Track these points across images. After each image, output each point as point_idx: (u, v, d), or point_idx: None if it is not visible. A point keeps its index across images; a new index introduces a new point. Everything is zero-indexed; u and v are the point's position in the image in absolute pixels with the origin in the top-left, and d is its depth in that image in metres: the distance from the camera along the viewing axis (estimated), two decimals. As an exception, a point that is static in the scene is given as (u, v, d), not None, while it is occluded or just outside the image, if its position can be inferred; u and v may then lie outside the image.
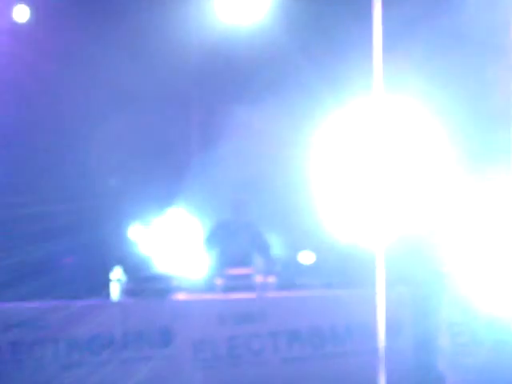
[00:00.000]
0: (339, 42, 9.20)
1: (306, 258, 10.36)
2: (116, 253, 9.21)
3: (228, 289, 7.90)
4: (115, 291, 7.87)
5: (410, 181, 8.24)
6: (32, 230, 9.05)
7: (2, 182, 9.22)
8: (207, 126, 10.27)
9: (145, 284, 7.91)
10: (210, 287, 8.15)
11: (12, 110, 9.04)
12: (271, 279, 7.92)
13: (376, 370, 7.36)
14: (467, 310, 7.40)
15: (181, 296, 7.89)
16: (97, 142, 9.61)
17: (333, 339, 7.62)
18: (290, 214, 10.15)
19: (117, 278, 7.88)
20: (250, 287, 7.88)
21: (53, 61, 8.95)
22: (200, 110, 10.25)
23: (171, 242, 10.34)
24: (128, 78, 9.33)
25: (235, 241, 8.77)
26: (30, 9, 9.15)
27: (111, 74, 9.25)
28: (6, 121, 8.97)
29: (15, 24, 9.05)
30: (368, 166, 8.25)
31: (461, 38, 8.83)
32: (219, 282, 7.95)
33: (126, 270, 8.16)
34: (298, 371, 7.55)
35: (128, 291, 7.87)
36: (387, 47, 6.71)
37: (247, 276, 8.02)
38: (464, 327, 7.46)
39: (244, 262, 8.53)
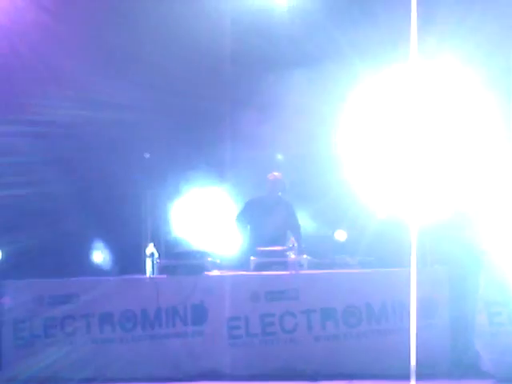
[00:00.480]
0: (373, 9, 9.04)
1: (342, 236, 10.28)
2: (151, 229, 9.22)
3: (261, 266, 7.84)
4: (149, 267, 7.85)
5: (446, 157, 8.08)
6: (67, 205, 9.12)
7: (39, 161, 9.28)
8: (245, 105, 10.20)
9: (178, 260, 7.89)
10: (243, 264, 8.11)
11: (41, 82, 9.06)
12: (304, 257, 7.83)
13: (411, 349, 7.29)
14: (505, 289, 7.25)
15: (214, 273, 7.85)
16: (133, 116, 9.61)
17: (367, 317, 7.52)
18: (326, 191, 10.05)
19: (150, 254, 7.84)
20: (283, 264, 7.80)
21: (82, 34, 8.94)
22: (239, 88, 10.17)
23: (206, 219, 10.33)
24: (164, 55, 9.30)
25: (269, 218, 8.72)
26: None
27: (144, 50, 9.23)
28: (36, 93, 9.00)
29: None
30: (405, 140, 8.12)
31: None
32: (252, 258, 7.89)
33: (160, 246, 8.15)
34: (331, 349, 7.48)
35: (162, 267, 7.85)
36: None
37: (280, 253, 7.93)
38: (501, 307, 7.31)
39: (277, 239, 8.48)
